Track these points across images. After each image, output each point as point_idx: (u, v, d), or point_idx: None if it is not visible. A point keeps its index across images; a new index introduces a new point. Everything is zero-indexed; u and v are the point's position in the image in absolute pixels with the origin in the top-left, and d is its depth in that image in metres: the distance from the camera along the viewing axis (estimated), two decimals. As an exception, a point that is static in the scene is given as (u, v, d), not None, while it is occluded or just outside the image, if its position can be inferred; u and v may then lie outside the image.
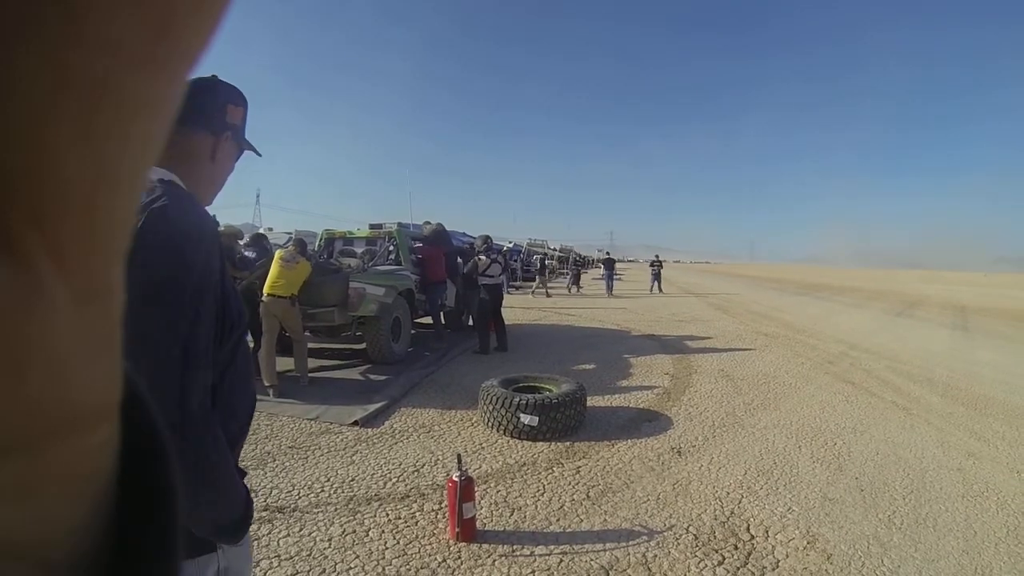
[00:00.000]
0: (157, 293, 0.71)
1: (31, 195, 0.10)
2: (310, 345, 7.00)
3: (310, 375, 5.48)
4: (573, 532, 2.69)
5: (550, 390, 4.40)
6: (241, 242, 6.53)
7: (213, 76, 0.99)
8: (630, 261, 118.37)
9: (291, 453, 3.61)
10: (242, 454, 3.78)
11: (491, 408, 4.08)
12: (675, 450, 3.76)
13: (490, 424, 4.11)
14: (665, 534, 2.65)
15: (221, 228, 6.82)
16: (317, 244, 7.98)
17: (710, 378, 5.89)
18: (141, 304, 0.69)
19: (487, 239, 7.94)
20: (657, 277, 20.49)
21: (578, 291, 19.15)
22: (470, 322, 9.19)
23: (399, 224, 7.92)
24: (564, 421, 3.97)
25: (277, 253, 5.43)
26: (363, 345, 6.46)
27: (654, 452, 3.72)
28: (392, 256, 7.68)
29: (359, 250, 7.94)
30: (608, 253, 21.08)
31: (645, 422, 4.37)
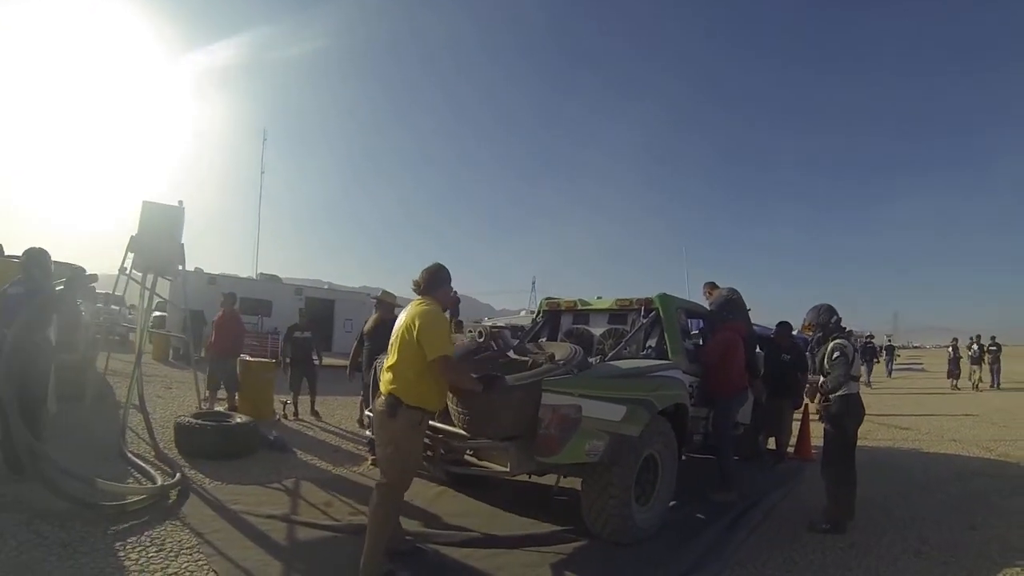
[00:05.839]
0: None
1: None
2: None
3: (457, 535, 3.00)
4: None
5: None
6: None
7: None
8: (916, 347, 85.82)
9: None
10: None
11: None
12: None
13: None
14: None
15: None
16: (534, 319, 5.43)
17: None
18: None
19: (832, 311, 4.28)
20: (995, 363, 15.49)
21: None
22: (770, 444, 6.11)
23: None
24: None
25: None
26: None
27: None
28: (652, 343, 4.70)
29: (598, 331, 5.18)
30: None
31: None
